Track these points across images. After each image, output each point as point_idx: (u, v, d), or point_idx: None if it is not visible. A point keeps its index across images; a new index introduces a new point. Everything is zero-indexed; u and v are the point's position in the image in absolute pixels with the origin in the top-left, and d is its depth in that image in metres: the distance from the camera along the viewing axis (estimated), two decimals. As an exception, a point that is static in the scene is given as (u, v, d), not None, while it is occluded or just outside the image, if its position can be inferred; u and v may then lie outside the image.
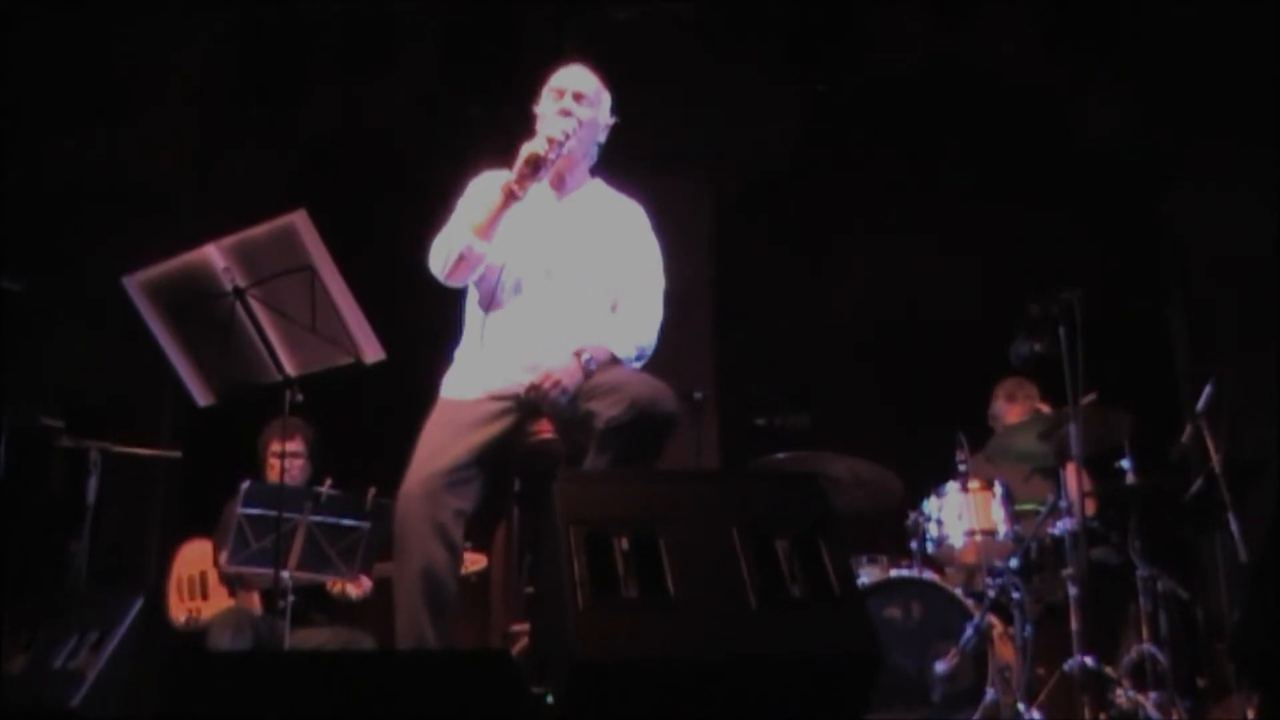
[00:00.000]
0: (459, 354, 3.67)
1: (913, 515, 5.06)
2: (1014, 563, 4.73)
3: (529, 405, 3.47)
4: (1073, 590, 4.40)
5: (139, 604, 3.83)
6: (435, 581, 3.32)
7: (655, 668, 2.61)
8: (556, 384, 3.41)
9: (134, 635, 3.74)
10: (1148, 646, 4.47)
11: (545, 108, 3.65)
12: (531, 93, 3.76)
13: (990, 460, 5.14)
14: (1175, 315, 6.40)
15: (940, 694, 4.53)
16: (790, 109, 6.42)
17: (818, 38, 6.19)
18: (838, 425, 5.58)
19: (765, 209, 6.67)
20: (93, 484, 4.74)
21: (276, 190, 6.06)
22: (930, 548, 4.98)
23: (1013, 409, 5.48)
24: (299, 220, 3.60)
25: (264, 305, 3.70)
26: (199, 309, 3.69)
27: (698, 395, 5.30)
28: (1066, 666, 4.36)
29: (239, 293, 3.67)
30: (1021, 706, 4.41)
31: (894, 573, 4.90)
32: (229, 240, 3.67)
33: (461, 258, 3.50)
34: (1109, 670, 4.41)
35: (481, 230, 3.50)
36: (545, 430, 3.49)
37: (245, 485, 4.62)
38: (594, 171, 3.80)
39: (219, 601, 5.22)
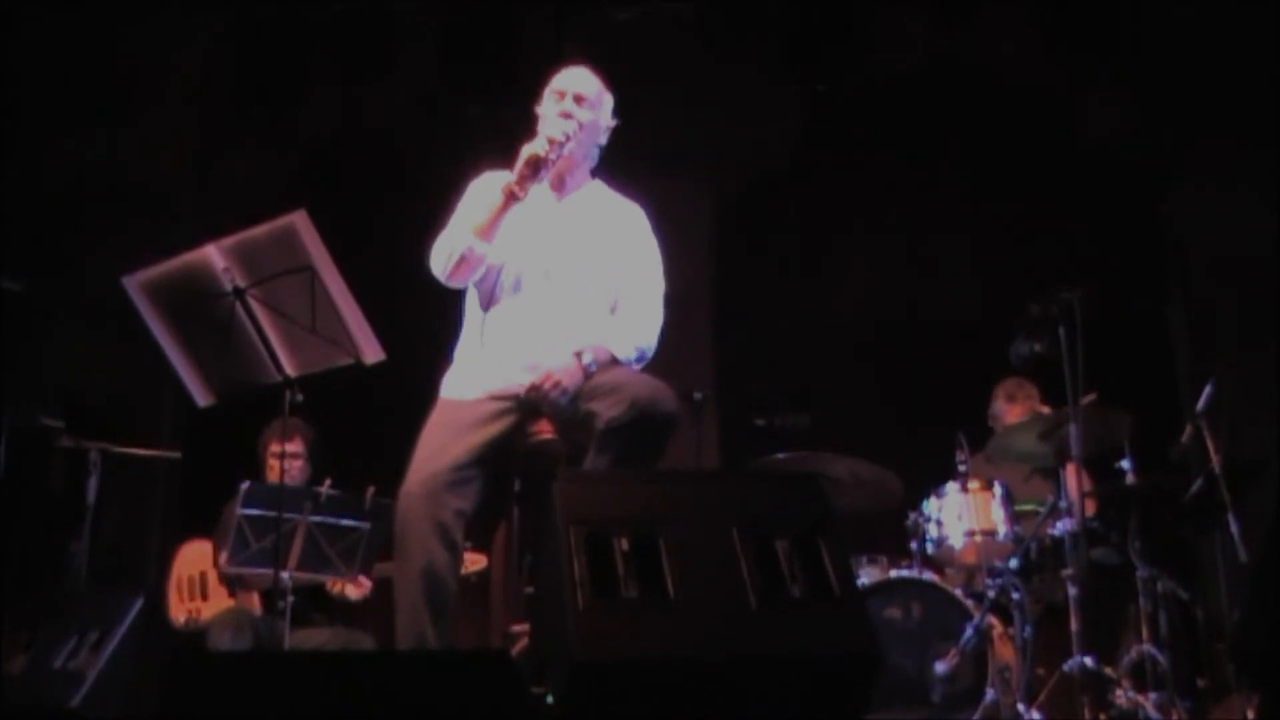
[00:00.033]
0: (458, 354, 3.67)
1: (912, 516, 5.05)
2: (1014, 563, 4.73)
3: (529, 405, 3.47)
4: (1072, 591, 4.40)
5: (139, 604, 3.82)
6: (436, 581, 3.32)
7: (655, 668, 2.61)
8: (557, 384, 3.41)
9: (134, 635, 3.74)
10: (1148, 647, 4.47)
11: (546, 109, 3.66)
12: (531, 93, 3.76)
13: (990, 460, 5.14)
14: (1175, 315, 6.40)
15: (940, 694, 4.53)
16: (790, 109, 6.42)
17: (818, 38, 6.19)
18: (838, 425, 5.58)
19: (765, 209, 6.67)
20: (93, 484, 4.73)
21: (276, 190, 6.07)
22: (930, 548, 4.98)
23: (1012, 409, 5.48)
24: (299, 220, 3.60)
25: (264, 305, 3.69)
26: (199, 309, 3.69)
27: (698, 395, 5.30)
28: (1066, 667, 4.36)
29: (239, 293, 3.67)
30: (1021, 707, 4.41)
31: (894, 573, 4.90)
32: (229, 240, 3.67)
33: (462, 259, 3.50)
34: (1109, 671, 4.40)
35: (482, 231, 3.51)
36: (545, 430, 3.49)
37: (245, 486, 4.62)
38: (594, 173, 3.80)
39: (219, 602, 5.22)
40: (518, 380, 3.47)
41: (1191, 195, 6.19)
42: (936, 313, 6.33)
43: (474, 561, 4.94)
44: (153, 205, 6.08)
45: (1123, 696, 4.38)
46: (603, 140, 3.75)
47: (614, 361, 3.51)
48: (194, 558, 5.34)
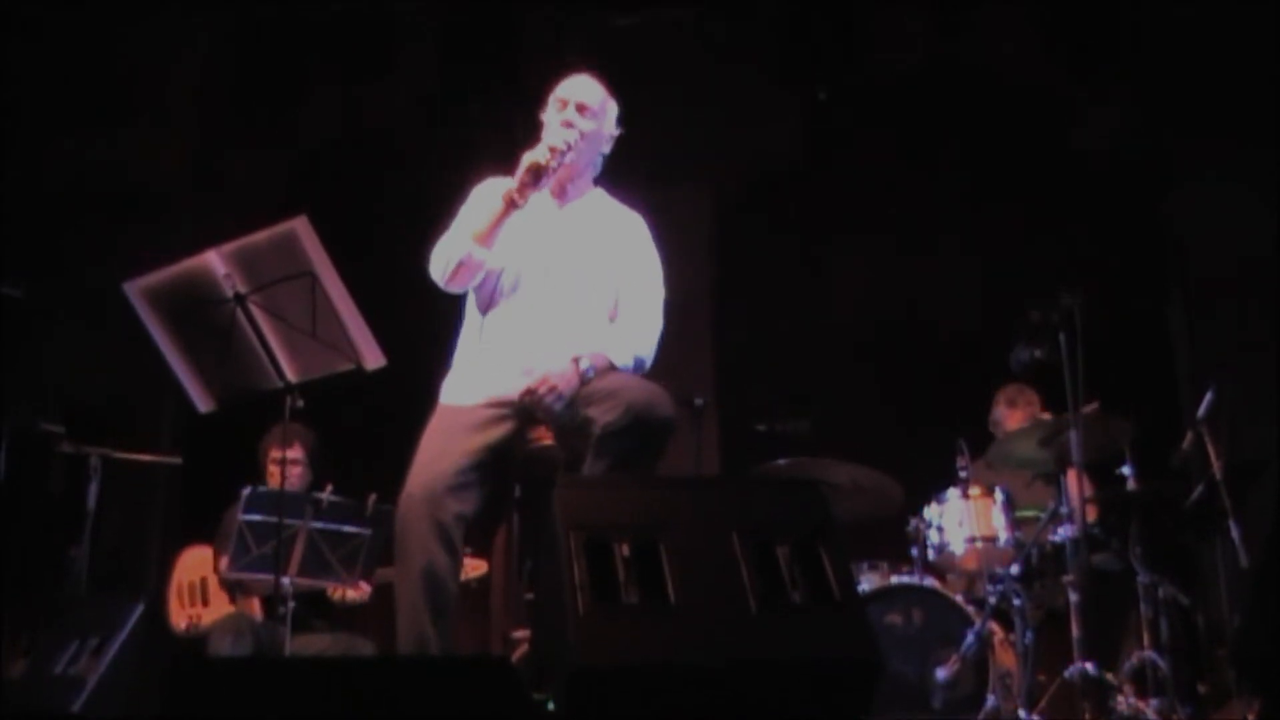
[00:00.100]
0: (457, 358, 3.67)
1: (913, 522, 5.05)
2: (1015, 569, 4.73)
3: (527, 411, 3.47)
4: (1074, 597, 4.40)
5: (139, 610, 3.81)
6: (437, 582, 3.32)
7: (656, 673, 2.61)
8: (552, 389, 3.40)
9: (134, 641, 3.72)
10: (1149, 653, 4.46)
11: (550, 116, 3.65)
12: (531, 94, 3.76)
13: (991, 466, 5.13)
14: (1175, 316, 6.40)
15: (941, 700, 4.53)
16: (790, 111, 6.41)
17: (818, 39, 6.19)
18: (838, 431, 5.57)
19: (766, 211, 6.66)
20: (93, 489, 4.73)
21: (276, 192, 6.08)
22: (931, 554, 4.98)
23: (1013, 415, 5.47)
24: (300, 226, 3.60)
25: (265, 311, 3.69)
26: (200, 315, 3.69)
27: (698, 401, 5.30)
28: (1067, 673, 4.35)
29: (240, 299, 3.67)
30: (1022, 713, 4.41)
31: (895, 579, 4.90)
32: (230, 246, 3.66)
33: (461, 264, 3.50)
34: (1110, 677, 4.40)
35: (482, 237, 3.50)
36: (544, 436, 3.49)
37: (246, 491, 4.61)
38: (597, 182, 3.80)
39: (219, 607, 5.22)
40: (515, 385, 3.47)
41: (1191, 195, 6.19)
42: (937, 317, 6.32)
43: (474, 567, 4.95)
44: (153, 206, 6.08)
45: (1124, 703, 4.37)
46: (606, 149, 3.73)
47: (611, 368, 3.50)
48: (194, 563, 5.33)
